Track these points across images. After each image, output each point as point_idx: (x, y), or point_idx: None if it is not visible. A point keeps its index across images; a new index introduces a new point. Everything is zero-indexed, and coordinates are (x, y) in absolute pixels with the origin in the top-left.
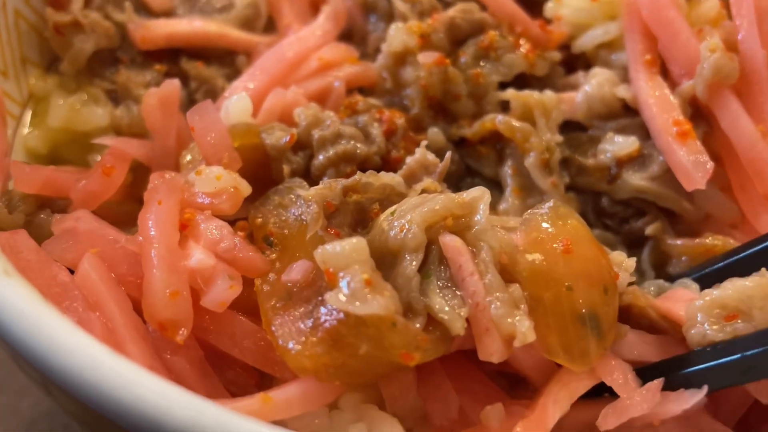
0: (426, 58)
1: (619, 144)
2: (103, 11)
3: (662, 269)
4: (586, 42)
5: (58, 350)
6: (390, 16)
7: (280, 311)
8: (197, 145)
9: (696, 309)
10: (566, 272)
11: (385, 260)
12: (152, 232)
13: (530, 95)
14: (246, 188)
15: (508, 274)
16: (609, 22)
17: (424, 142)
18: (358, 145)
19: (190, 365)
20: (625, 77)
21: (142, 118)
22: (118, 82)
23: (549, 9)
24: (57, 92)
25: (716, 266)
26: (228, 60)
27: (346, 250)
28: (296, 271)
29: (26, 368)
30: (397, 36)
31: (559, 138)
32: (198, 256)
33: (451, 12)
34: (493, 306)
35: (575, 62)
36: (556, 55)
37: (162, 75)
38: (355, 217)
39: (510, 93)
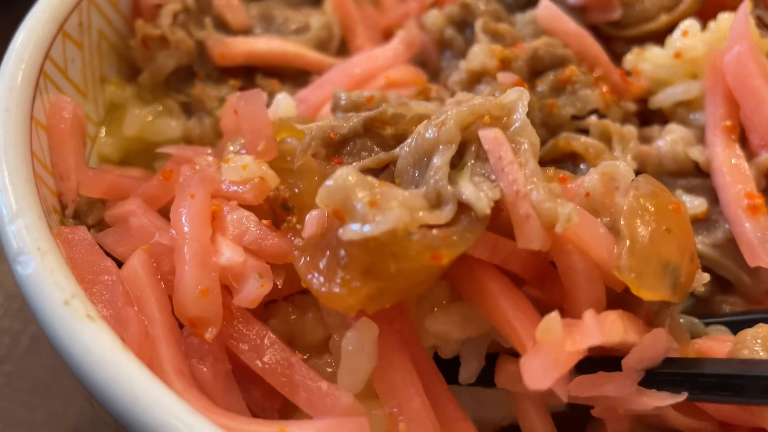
0: (505, 78)
1: (686, 204)
2: (186, 28)
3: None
4: (664, 99)
5: (137, 403)
6: (465, 55)
7: (311, 266)
8: (240, 131)
9: (748, 333)
10: (669, 221)
11: (421, 162)
12: (185, 228)
13: (610, 123)
14: (273, 179)
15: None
16: (690, 81)
17: None
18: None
19: (215, 376)
20: (701, 137)
21: (213, 129)
22: (192, 95)
23: (629, 61)
24: (133, 102)
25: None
26: (302, 80)
27: (338, 183)
28: (309, 225)
29: (99, 409)
30: (478, 55)
31: (634, 164)
32: (228, 254)
33: (536, 43)
34: (533, 193)
35: (651, 116)
36: (632, 106)
37: (236, 90)
38: (389, 144)
39: (591, 120)
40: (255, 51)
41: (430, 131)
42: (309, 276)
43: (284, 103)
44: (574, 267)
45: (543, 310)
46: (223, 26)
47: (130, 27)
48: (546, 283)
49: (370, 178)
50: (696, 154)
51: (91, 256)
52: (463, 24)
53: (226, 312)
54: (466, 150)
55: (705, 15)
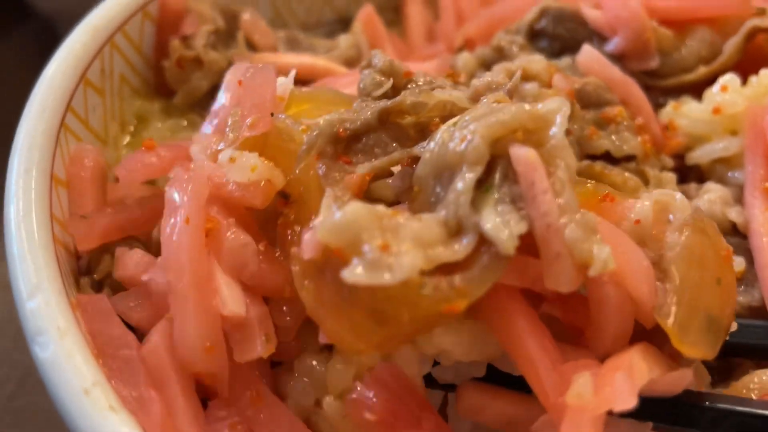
0: (560, 82)
1: None
2: (216, 49)
3: None
4: (702, 155)
5: None
6: None
7: (315, 297)
8: (241, 103)
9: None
10: (720, 270)
11: (443, 175)
12: (182, 268)
13: (648, 168)
14: (280, 181)
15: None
16: (729, 138)
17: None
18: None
19: None
20: (739, 197)
21: None
22: None
23: (665, 114)
24: (159, 116)
25: None
26: None
27: (345, 221)
28: (308, 247)
29: None
30: (536, 63)
31: None
32: (230, 305)
33: (587, 79)
34: (568, 228)
35: (688, 172)
36: (669, 162)
37: None
38: (408, 135)
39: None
40: (285, 64)
41: (454, 142)
42: (314, 308)
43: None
44: (607, 297)
45: (559, 329)
46: (251, 47)
47: (153, 69)
48: (569, 304)
49: (380, 208)
50: (734, 215)
51: (111, 329)
52: None
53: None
54: (493, 167)
55: (745, 68)
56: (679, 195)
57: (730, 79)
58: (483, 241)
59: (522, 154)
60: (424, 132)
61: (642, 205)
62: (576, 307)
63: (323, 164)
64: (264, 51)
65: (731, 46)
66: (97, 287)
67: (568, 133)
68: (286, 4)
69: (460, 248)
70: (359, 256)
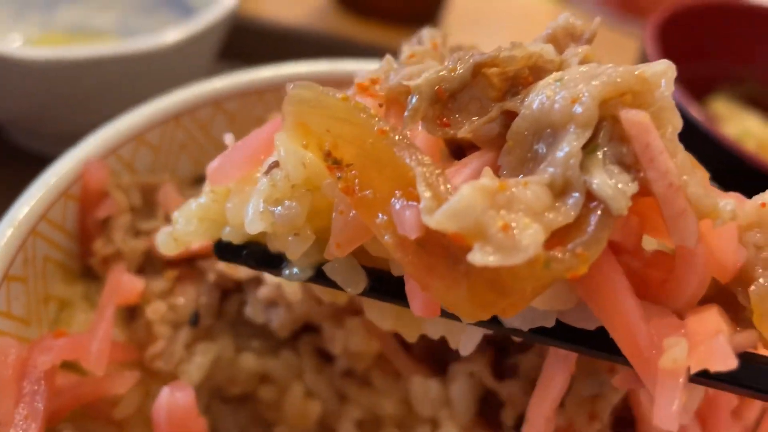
0: None
1: None
2: (135, 227)
3: None
4: None
5: None
6: None
7: (423, 265)
8: None
9: None
10: None
11: (544, 132)
12: None
13: None
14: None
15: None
16: None
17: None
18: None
19: None
20: None
21: (147, 330)
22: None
23: None
24: (80, 303)
25: None
26: None
27: (464, 205)
28: (412, 228)
29: None
30: None
31: None
32: None
33: None
34: (690, 186)
35: None
36: None
37: (173, 281)
38: (499, 88)
39: None
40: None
41: (560, 102)
42: (424, 278)
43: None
44: (696, 252)
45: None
46: (168, 219)
47: (78, 242)
48: (651, 258)
49: (488, 183)
50: None
51: None
52: None
53: None
54: (598, 127)
55: None
56: None
57: None
58: (590, 200)
59: (635, 118)
60: (513, 84)
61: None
62: (659, 262)
63: (426, 128)
64: None
65: None
66: None
67: None
68: (209, 156)
69: (570, 209)
70: (483, 240)
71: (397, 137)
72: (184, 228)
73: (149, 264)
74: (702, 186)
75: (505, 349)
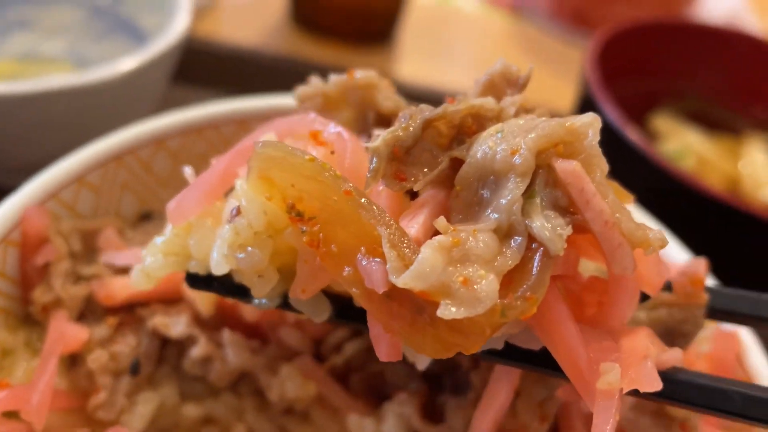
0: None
1: None
2: (75, 272)
3: None
4: None
5: None
6: None
7: (389, 314)
8: None
9: None
10: None
11: (488, 179)
12: None
13: None
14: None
15: None
16: None
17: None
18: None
19: None
20: None
21: (88, 379)
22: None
23: None
24: (23, 350)
25: None
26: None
27: (427, 267)
28: (379, 284)
29: None
30: None
31: None
32: None
33: None
34: (622, 222)
35: None
36: None
37: (113, 329)
38: (447, 136)
39: None
40: (136, 295)
41: (502, 153)
42: (391, 326)
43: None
44: (627, 278)
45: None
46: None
47: (20, 287)
48: (588, 281)
49: (444, 240)
50: None
51: None
52: None
53: None
54: (534, 177)
55: None
56: None
57: None
58: (532, 241)
59: (569, 167)
60: (459, 132)
61: None
62: (592, 286)
63: (387, 185)
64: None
65: None
66: None
67: None
68: (152, 193)
69: (516, 251)
70: (448, 296)
71: (362, 200)
72: (152, 264)
73: (90, 310)
74: (632, 221)
75: (440, 384)
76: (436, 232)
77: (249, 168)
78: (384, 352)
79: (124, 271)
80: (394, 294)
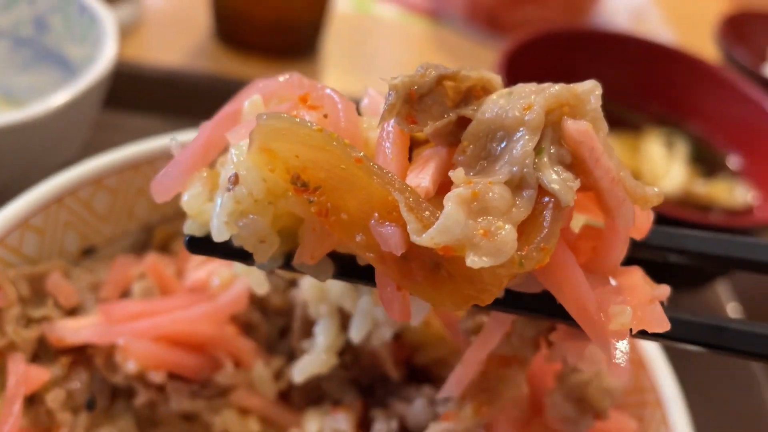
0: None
1: None
2: (26, 314)
3: None
4: None
5: None
6: None
7: (405, 273)
8: None
9: None
10: None
11: (496, 135)
12: None
13: None
14: None
15: None
16: None
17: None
18: None
19: None
20: None
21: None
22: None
23: None
24: None
25: None
26: None
27: (452, 221)
28: (397, 246)
29: None
30: None
31: None
32: None
33: None
34: (626, 179)
35: None
36: None
37: (66, 369)
38: (453, 99)
39: None
40: (86, 340)
41: (511, 110)
42: (407, 284)
43: None
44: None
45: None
46: (59, 306)
47: None
48: (582, 229)
49: (463, 192)
50: None
51: None
52: None
53: None
54: (543, 134)
55: None
56: None
57: None
58: (542, 195)
59: (580, 126)
60: (466, 97)
61: None
62: (586, 234)
63: (398, 123)
64: (71, 311)
65: None
66: None
67: None
68: (93, 229)
69: (526, 204)
70: (472, 248)
71: (374, 166)
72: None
73: (43, 351)
74: (632, 179)
75: (373, 394)
76: (444, 186)
77: (251, 140)
78: (397, 312)
79: (72, 312)
80: (411, 254)
